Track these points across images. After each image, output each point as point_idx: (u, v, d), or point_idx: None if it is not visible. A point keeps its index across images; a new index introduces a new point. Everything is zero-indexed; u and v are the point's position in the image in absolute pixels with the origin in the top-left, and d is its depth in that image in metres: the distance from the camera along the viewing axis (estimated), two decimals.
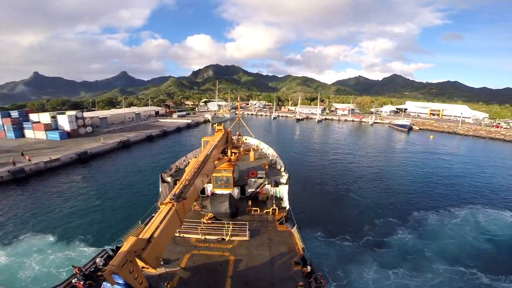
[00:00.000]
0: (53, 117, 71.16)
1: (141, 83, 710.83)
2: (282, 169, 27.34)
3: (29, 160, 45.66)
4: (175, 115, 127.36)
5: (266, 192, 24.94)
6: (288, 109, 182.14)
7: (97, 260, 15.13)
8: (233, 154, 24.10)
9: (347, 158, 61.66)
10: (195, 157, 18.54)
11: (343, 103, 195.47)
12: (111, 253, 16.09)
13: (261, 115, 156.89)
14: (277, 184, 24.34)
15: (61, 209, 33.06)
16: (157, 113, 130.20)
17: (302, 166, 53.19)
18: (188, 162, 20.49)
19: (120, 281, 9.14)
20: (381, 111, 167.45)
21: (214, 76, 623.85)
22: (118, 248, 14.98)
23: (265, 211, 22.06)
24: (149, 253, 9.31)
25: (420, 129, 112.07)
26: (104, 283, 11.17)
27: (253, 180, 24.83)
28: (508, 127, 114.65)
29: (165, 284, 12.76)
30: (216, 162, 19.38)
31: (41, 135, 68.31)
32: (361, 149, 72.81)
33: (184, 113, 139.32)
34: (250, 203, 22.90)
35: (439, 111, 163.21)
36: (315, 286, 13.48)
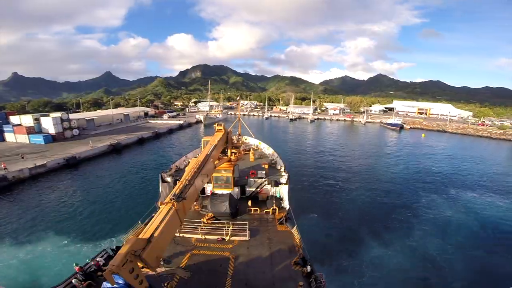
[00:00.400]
0: (36, 120, 67.73)
1: (126, 83, 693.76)
2: (282, 169, 27.22)
3: (5, 168, 41.71)
4: (165, 116, 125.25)
5: (266, 192, 24.78)
6: (280, 109, 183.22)
7: (97, 260, 15.19)
8: (233, 154, 23.90)
9: (345, 157, 62.44)
10: (195, 157, 18.11)
11: (332, 102, 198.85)
12: (111, 253, 16.07)
13: (253, 115, 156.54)
14: (277, 184, 24.22)
15: (55, 213, 31.88)
16: (146, 114, 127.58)
17: (301, 166, 53.26)
18: (188, 162, 20.04)
19: (120, 281, 9.29)
20: (370, 111, 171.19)
21: (202, 76, 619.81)
22: (118, 248, 14.95)
23: (265, 211, 21.91)
24: (149, 253, 9.15)
25: (411, 127, 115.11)
26: (104, 283, 11.33)
27: (253, 180, 24.64)
28: (493, 125, 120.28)
29: (165, 284, 12.75)
30: (216, 162, 19.07)
31: (23, 138, 64.81)
32: (357, 148, 74.09)
33: (174, 113, 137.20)
34: (250, 203, 22.68)
35: (427, 110, 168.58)
36: (315, 286, 13.48)
